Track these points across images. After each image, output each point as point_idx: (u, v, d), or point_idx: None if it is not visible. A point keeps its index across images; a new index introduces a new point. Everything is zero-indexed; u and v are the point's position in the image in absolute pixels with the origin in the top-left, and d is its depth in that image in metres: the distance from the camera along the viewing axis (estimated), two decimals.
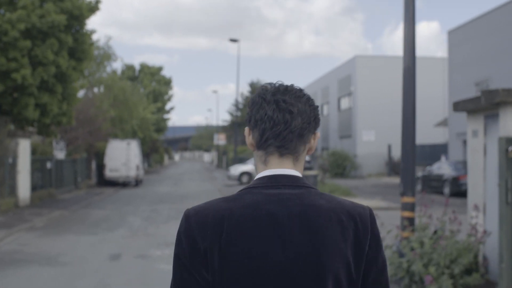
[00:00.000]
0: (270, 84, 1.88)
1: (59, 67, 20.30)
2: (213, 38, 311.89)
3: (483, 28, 29.35)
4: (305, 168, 23.58)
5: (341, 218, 1.75)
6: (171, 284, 1.80)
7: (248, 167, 37.53)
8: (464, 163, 26.46)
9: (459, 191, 25.16)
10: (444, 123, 37.83)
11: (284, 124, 1.78)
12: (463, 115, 31.82)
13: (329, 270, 1.70)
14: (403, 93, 10.00)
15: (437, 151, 35.74)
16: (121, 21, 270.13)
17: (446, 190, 25.74)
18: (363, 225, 1.78)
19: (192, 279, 1.73)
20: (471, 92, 29.68)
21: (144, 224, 16.82)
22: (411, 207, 9.84)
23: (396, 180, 39.97)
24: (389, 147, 44.12)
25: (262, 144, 1.83)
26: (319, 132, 1.90)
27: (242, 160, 48.24)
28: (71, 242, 13.73)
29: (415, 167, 9.82)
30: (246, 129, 1.90)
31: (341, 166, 43.99)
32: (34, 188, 23.13)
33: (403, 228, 9.62)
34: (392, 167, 44.61)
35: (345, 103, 50.27)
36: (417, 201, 21.79)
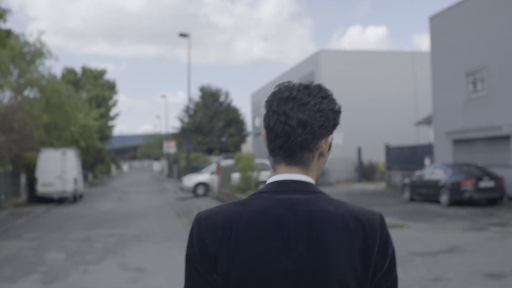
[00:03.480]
0: (284, 86, 1.85)
1: None
2: (161, 46, 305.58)
3: (472, 11, 25.33)
4: None
5: (348, 224, 1.74)
6: (184, 284, 1.82)
7: (204, 177, 32.73)
8: (461, 166, 22.28)
9: (460, 199, 21.02)
10: (426, 121, 33.74)
11: (285, 137, 1.79)
12: (451, 111, 28.69)
13: (334, 275, 1.70)
14: None
15: (418, 154, 31.52)
16: (67, 30, 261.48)
17: (444, 198, 21.48)
18: (372, 230, 1.76)
19: (203, 281, 1.76)
20: (461, 84, 25.63)
21: (67, 265, 11.83)
22: None
23: (368, 186, 35.87)
24: (359, 150, 40.01)
25: (271, 152, 1.86)
26: (331, 136, 1.86)
27: (196, 169, 43.57)
28: None
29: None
30: (263, 133, 1.88)
31: None
32: None
33: None
34: (363, 172, 40.51)
35: None
36: (408, 211, 17.12)
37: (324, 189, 34.18)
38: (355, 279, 1.73)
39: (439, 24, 28.18)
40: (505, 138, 22.86)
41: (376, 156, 40.73)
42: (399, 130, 41.56)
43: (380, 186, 35.59)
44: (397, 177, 32.61)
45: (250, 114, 69.04)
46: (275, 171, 1.86)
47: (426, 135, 39.03)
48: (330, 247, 1.72)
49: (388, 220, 17.44)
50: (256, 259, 1.71)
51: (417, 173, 24.95)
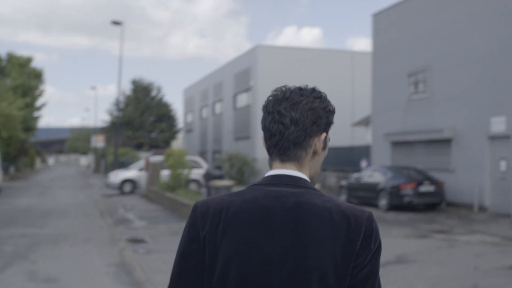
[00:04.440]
0: (280, 89, 1.96)
1: None
2: (94, 37, 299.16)
3: (416, 10, 24.69)
4: (216, 178, 17.97)
5: (333, 217, 1.80)
6: (173, 266, 1.92)
7: (131, 173, 31.07)
8: (401, 169, 21.57)
9: (399, 204, 20.29)
10: (364, 122, 33.05)
11: (279, 135, 1.89)
12: (391, 113, 27.97)
13: (314, 265, 1.76)
14: None
15: (354, 155, 30.79)
16: None
17: (383, 202, 20.66)
18: (356, 226, 1.81)
19: (189, 264, 1.87)
20: (403, 85, 24.98)
21: None
22: None
23: None
24: None
25: (268, 151, 1.96)
26: (324, 134, 1.96)
27: (123, 165, 41.76)
28: None
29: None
30: (262, 135, 1.99)
31: (240, 171, 38.30)
32: None
33: None
34: None
35: (242, 100, 44.67)
36: None
37: None
38: (334, 271, 1.78)
39: (381, 22, 27.47)
40: (447, 141, 22.25)
41: None
42: (335, 131, 40.04)
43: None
44: (332, 179, 31.77)
45: (182, 110, 67.61)
46: (271, 168, 1.96)
47: (362, 137, 38.43)
48: (313, 238, 1.79)
49: None
50: (241, 244, 1.81)
51: (355, 175, 24.10)
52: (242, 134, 43.55)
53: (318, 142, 1.93)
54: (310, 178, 1.95)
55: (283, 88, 1.96)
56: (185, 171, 24.18)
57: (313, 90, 1.97)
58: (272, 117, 1.91)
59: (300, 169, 1.92)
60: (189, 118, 64.05)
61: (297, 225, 1.80)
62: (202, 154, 54.80)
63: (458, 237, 14.37)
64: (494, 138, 19.76)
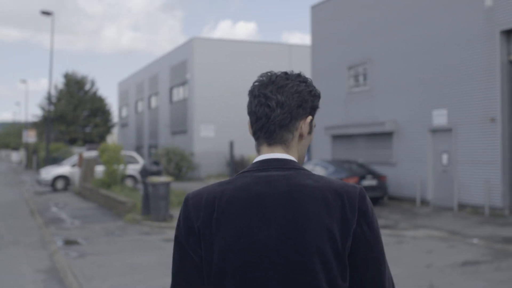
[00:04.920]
0: (266, 74, 1.97)
1: None
2: (25, 30, 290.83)
3: (356, 2, 24.38)
4: (153, 174, 17.14)
5: (326, 196, 1.81)
6: (172, 262, 1.93)
7: (64, 169, 29.74)
8: (342, 163, 21.24)
9: None
10: None
11: (265, 118, 1.91)
12: (331, 106, 27.48)
13: (313, 245, 1.76)
14: None
15: None
16: None
17: None
18: (350, 202, 1.81)
19: (188, 257, 1.86)
20: (343, 78, 24.66)
21: None
22: None
23: None
24: (231, 144, 38.42)
25: (254, 136, 1.98)
26: (310, 117, 1.95)
27: (56, 161, 40.27)
28: None
29: None
30: (248, 120, 2.02)
31: (177, 166, 37.40)
32: None
33: None
34: (235, 167, 38.97)
35: (178, 93, 43.69)
36: None
37: (193, 185, 32.76)
38: (333, 249, 1.77)
39: (320, 14, 27.07)
40: (388, 134, 22.03)
41: (249, 150, 39.38)
42: None
43: None
44: None
45: (117, 104, 66.00)
46: (259, 153, 1.96)
47: None
48: (309, 218, 1.78)
49: None
50: (237, 233, 1.79)
51: None
52: (179, 128, 42.62)
53: (304, 125, 1.94)
54: (298, 162, 1.96)
55: (269, 73, 1.97)
56: (121, 167, 23.27)
57: (299, 75, 1.98)
58: (258, 100, 1.93)
59: (287, 152, 1.93)
60: (124, 112, 62.55)
61: (292, 208, 1.79)
62: (138, 149, 53.59)
63: (404, 232, 14.03)
64: (435, 131, 19.62)
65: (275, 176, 1.85)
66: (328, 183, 1.84)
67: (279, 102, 1.89)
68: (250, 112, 1.97)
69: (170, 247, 12.03)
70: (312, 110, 1.96)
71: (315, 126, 2.02)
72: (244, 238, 1.79)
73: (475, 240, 12.76)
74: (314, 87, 1.98)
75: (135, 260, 10.70)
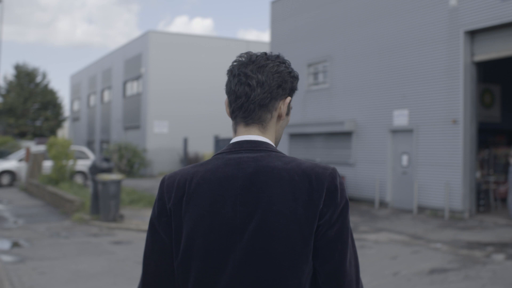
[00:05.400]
0: (245, 54, 1.97)
1: None
2: None
3: None
4: (104, 171, 16.25)
5: (293, 177, 1.80)
6: (145, 238, 1.96)
7: (10, 164, 28.48)
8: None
9: None
10: None
11: (244, 97, 1.90)
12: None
13: (276, 226, 1.76)
14: None
15: None
16: None
17: None
18: (318, 183, 1.79)
19: (158, 238, 1.89)
20: (302, 75, 24.12)
21: None
22: None
23: None
24: (185, 141, 37.59)
25: (231, 115, 1.97)
26: (289, 98, 1.98)
27: (2, 155, 38.70)
28: None
29: None
30: (226, 100, 2.00)
31: (129, 163, 36.39)
32: None
33: None
34: (188, 164, 38.11)
35: (132, 88, 42.59)
36: None
37: (146, 182, 31.81)
38: (298, 229, 1.76)
39: (280, 10, 26.49)
40: (347, 134, 21.56)
41: (204, 147, 38.65)
42: (229, 121, 39.77)
43: None
44: None
45: (69, 98, 64.35)
46: (235, 134, 1.98)
47: None
48: (274, 201, 1.78)
49: None
50: (203, 214, 1.82)
51: None
52: (132, 124, 41.56)
53: (283, 106, 1.96)
54: (274, 143, 1.98)
55: (249, 53, 1.97)
56: (70, 163, 22.27)
57: (278, 56, 2.00)
58: (238, 79, 1.92)
59: (264, 132, 1.95)
60: (76, 106, 61.00)
61: (257, 189, 1.80)
62: (89, 144, 52.27)
63: (366, 236, 13.53)
64: (396, 131, 19.23)
65: (245, 158, 1.86)
66: (298, 165, 1.83)
67: (260, 82, 1.89)
68: (229, 91, 1.95)
69: (120, 251, 11.24)
70: (291, 91, 1.98)
71: (291, 108, 2.03)
72: (208, 218, 1.81)
73: (438, 245, 12.34)
74: (293, 69, 1.99)
75: (81, 267, 9.86)
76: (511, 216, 16.18)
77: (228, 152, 1.91)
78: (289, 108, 1.99)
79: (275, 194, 1.77)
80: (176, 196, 1.86)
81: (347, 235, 1.81)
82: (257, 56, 1.95)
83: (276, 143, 2.00)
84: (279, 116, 1.96)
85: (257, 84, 1.88)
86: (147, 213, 16.69)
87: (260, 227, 1.76)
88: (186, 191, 1.85)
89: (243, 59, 1.95)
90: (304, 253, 1.77)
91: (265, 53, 1.97)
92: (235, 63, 1.95)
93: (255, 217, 1.77)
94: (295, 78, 1.98)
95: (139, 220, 15.28)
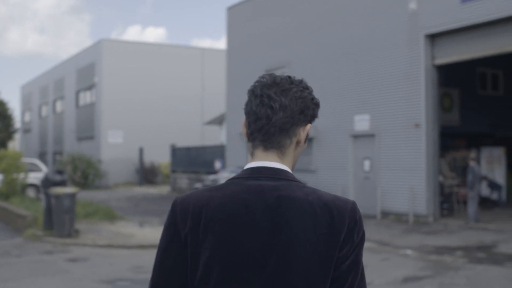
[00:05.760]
0: (268, 75, 1.92)
1: None
2: None
3: (273, 3, 23.57)
4: (57, 184, 15.51)
5: (315, 210, 1.76)
6: (154, 262, 1.89)
7: None
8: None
9: None
10: (217, 121, 31.57)
11: (266, 119, 1.84)
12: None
13: (296, 261, 1.72)
14: None
15: (207, 155, 29.18)
16: None
17: None
18: (339, 217, 1.76)
19: (171, 263, 1.81)
20: None
21: None
22: None
23: (151, 190, 33.04)
24: (141, 151, 36.92)
25: (249, 137, 1.91)
26: (310, 125, 1.92)
27: None
28: None
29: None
30: (243, 120, 1.95)
31: (83, 174, 35.43)
32: None
33: None
34: (144, 175, 37.38)
35: (85, 97, 41.64)
36: None
37: (101, 193, 30.95)
38: (319, 265, 1.73)
39: (237, 16, 26.08)
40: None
41: (160, 157, 37.94)
42: (185, 130, 39.19)
43: (164, 190, 32.79)
44: (184, 181, 30.08)
45: (20, 109, 62.77)
46: (252, 157, 1.90)
47: (215, 136, 37.04)
48: (295, 232, 1.73)
49: None
50: (221, 242, 1.74)
51: (211, 177, 22.52)
52: (86, 134, 40.60)
53: (303, 132, 1.91)
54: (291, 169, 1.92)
55: (272, 74, 1.93)
56: (21, 176, 21.40)
57: (301, 81, 1.94)
58: (260, 100, 1.86)
59: (282, 158, 1.89)
60: (27, 117, 59.52)
61: (279, 220, 1.75)
62: (42, 156, 50.97)
63: None
64: (357, 136, 18.99)
65: (265, 186, 1.80)
66: (319, 197, 1.79)
67: (283, 105, 1.85)
68: (249, 112, 1.90)
69: (76, 269, 10.58)
70: (312, 118, 1.94)
71: (307, 137, 1.96)
72: (227, 247, 1.74)
73: (408, 252, 12.07)
74: (315, 96, 1.97)
75: None
76: (469, 221, 16.03)
77: (247, 178, 1.83)
78: (307, 137, 1.94)
79: (297, 226, 1.74)
80: (192, 223, 1.79)
81: (358, 267, 1.78)
82: (281, 78, 1.89)
83: (292, 168, 1.94)
84: (298, 143, 1.91)
85: (280, 107, 1.83)
86: (104, 226, 16.04)
87: (281, 259, 1.72)
88: (203, 217, 1.78)
89: (266, 80, 1.89)
90: (323, 287, 1.74)
91: (289, 76, 1.91)
92: (257, 83, 1.90)
93: (276, 249, 1.72)
94: (317, 105, 1.94)
95: (95, 234, 14.61)
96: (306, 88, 1.91)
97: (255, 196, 1.77)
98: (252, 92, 1.89)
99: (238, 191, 1.79)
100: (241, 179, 1.83)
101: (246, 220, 1.75)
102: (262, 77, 1.92)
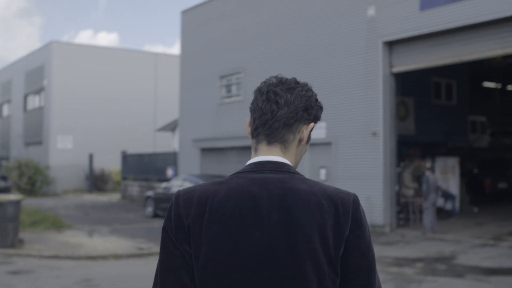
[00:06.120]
0: (274, 77, 1.97)
1: None
2: None
3: (228, 9, 23.21)
4: (1, 191, 14.76)
5: (321, 201, 1.78)
6: (159, 255, 1.87)
7: None
8: (213, 178, 19.82)
9: None
10: (170, 127, 30.94)
11: (270, 114, 1.88)
12: (201, 117, 25.95)
13: (305, 250, 1.73)
14: None
15: (160, 162, 28.52)
16: None
17: None
18: (344, 209, 1.79)
19: (177, 252, 1.80)
20: (214, 88, 23.39)
21: None
22: None
23: (101, 197, 32.21)
24: (90, 157, 35.98)
25: (253, 132, 1.94)
26: (313, 124, 1.96)
27: None
28: None
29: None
30: (247, 119, 2.00)
31: (30, 181, 34.32)
32: None
33: None
34: (94, 182, 36.45)
35: (34, 101, 40.48)
36: (157, 231, 14.05)
37: (49, 201, 29.97)
38: (326, 256, 1.74)
39: (191, 21, 25.58)
40: None
41: (110, 163, 37.06)
42: (137, 136, 38.40)
43: (114, 197, 32.00)
44: (135, 188, 29.38)
45: None
46: (255, 152, 1.92)
47: (167, 143, 36.38)
48: (302, 223, 1.75)
49: (136, 245, 14.17)
50: (228, 233, 1.75)
51: (163, 185, 21.87)
52: (34, 139, 39.44)
53: (306, 130, 1.94)
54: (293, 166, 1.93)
55: (278, 76, 1.97)
56: None
57: (307, 84, 1.99)
58: (267, 96, 1.90)
59: (285, 153, 1.91)
60: None
61: (285, 212, 1.76)
62: None
63: None
64: (313, 144, 18.68)
65: (270, 178, 1.82)
66: (323, 188, 1.82)
67: (288, 101, 1.89)
68: (255, 108, 1.93)
69: (19, 283, 9.92)
70: (315, 118, 1.97)
71: (310, 137, 1.99)
72: (235, 239, 1.75)
73: None
74: (319, 100, 2.01)
75: None
76: (426, 231, 15.86)
77: (251, 171, 1.85)
78: (309, 136, 1.97)
79: (305, 217, 1.75)
80: (196, 213, 1.79)
81: (374, 263, 1.81)
82: (287, 79, 1.96)
83: (295, 166, 1.95)
84: (300, 140, 1.94)
85: (285, 103, 1.88)
86: (51, 236, 15.33)
87: (289, 250, 1.73)
88: (207, 208, 1.78)
89: (272, 80, 1.95)
90: (331, 278, 1.75)
91: (295, 78, 1.98)
92: (263, 83, 1.96)
93: (284, 240, 1.73)
94: (320, 107, 2.00)
95: (41, 244, 13.91)
96: (311, 90, 1.97)
97: (260, 188, 1.79)
98: (259, 90, 1.94)
99: (243, 184, 1.81)
100: (245, 173, 1.85)
101: (252, 212, 1.76)
102: (269, 78, 1.96)
